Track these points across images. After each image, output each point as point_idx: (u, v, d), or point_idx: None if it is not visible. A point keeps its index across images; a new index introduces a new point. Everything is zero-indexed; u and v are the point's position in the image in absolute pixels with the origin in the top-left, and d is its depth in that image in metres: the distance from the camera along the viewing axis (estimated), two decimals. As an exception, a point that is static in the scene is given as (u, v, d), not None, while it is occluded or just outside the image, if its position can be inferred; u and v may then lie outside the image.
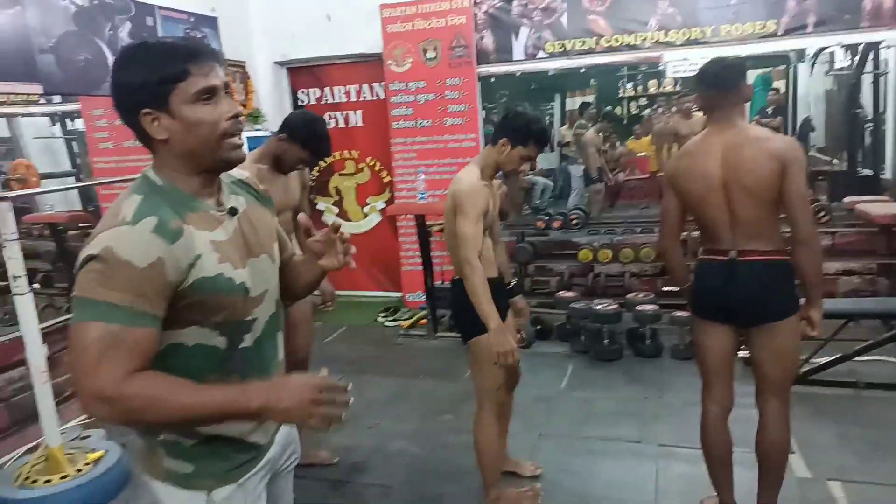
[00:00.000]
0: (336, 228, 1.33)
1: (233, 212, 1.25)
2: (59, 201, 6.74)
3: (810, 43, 5.05)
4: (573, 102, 9.58)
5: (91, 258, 1.07)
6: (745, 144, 2.14)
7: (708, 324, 2.32)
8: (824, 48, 6.44)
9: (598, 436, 3.24)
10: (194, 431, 1.23)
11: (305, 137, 2.64)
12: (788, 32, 4.34)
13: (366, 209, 5.86)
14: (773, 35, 4.36)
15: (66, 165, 7.13)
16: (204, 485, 1.26)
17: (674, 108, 8.39)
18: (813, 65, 7.14)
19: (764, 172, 2.10)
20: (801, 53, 6.94)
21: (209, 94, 1.14)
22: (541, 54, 4.83)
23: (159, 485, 1.27)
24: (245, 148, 1.28)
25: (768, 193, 2.12)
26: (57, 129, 7.17)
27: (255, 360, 1.27)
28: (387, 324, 5.19)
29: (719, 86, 2.17)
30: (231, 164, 1.23)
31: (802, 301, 2.22)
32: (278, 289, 1.36)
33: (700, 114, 6.89)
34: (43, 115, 6.88)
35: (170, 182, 1.19)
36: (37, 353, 2.80)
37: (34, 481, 2.82)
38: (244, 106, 5.11)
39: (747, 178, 2.13)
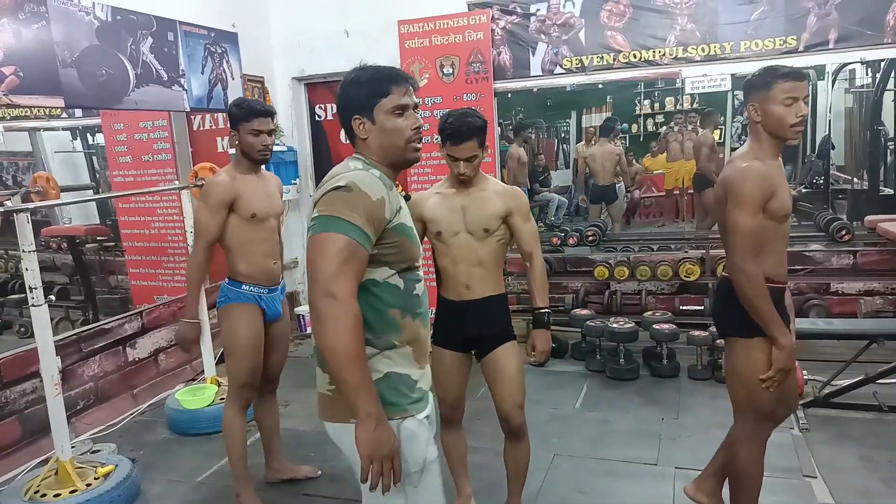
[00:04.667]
0: None
1: (407, 197, 1.63)
2: (77, 215, 6.81)
3: (831, 59, 4.99)
4: (589, 119, 9.55)
5: (338, 188, 1.41)
6: None
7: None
8: (845, 65, 6.36)
9: (614, 457, 3.17)
10: (375, 368, 1.47)
11: (237, 112, 2.68)
12: (809, 48, 4.29)
13: (380, 224, 5.84)
14: (794, 51, 4.31)
15: (87, 179, 7.21)
16: (392, 415, 1.46)
17: (690, 126, 8.37)
18: (833, 81, 7.06)
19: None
20: (820, 70, 6.86)
21: (402, 109, 1.52)
22: (558, 70, 4.81)
23: (348, 427, 1.42)
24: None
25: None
26: (78, 143, 7.28)
27: (421, 308, 1.58)
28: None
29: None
30: (410, 162, 1.58)
31: None
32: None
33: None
34: (65, 129, 7.00)
35: (373, 167, 1.53)
36: (51, 364, 2.81)
37: (43, 495, 2.82)
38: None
39: None
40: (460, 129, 2.28)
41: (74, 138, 7.27)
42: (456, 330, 2.46)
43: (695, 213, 7.94)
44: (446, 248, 2.41)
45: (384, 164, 1.54)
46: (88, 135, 7.18)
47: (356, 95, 1.52)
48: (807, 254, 4.91)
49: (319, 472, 3.12)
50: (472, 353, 2.53)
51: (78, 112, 6.12)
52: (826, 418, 3.41)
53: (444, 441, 2.64)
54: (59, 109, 5.72)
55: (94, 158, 7.20)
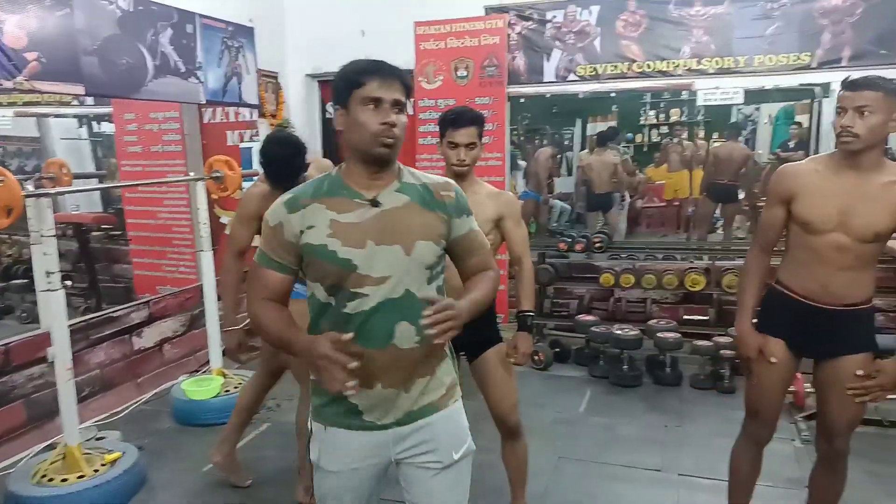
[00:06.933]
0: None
1: (375, 203, 1.50)
2: (82, 202, 6.81)
3: (843, 77, 5.02)
4: (594, 128, 9.58)
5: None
6: None
7: None
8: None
9: (618, 462, 3.20)
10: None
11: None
12: (823, 65, 4.34)
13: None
14: (807, 67, 4.36)
15: (91, 167, 7.22)
16: (321, 419, 1.59)
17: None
18: (840, 99, 7.10)
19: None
20: (826, 87, 6.92)
21: (374, 102, 1.46)
22: (571, 77, 4.85)
23: (312, 423, 1.62)
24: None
25: None
26: (83, 130, 7.28)
27: (364, 329, 1.48)
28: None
29: None
30: (377, 158, 1.50)
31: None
32: (418, 281, 1.52)
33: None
34: (74, 116, 7.00)
35: (339, 173, 1.56)
36: (65, 350, 2.82)
37: (51, 479, 2.82)
38: (274, 116, 5.15)
39: None
40: (462, 114, 2.37)
41: (80, 126, 7.27)
42: None
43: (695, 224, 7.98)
44: None
45: (356, 159, 1.52)
46: (94, 123, 7.19)
47: (337, 86, 1.52)
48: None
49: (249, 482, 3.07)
50: (461, 355, 2.50)
51: (88, 100, 6.12)
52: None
53: None
54: (71, 97, 5.73)
55: (99, 146, 7.20)
